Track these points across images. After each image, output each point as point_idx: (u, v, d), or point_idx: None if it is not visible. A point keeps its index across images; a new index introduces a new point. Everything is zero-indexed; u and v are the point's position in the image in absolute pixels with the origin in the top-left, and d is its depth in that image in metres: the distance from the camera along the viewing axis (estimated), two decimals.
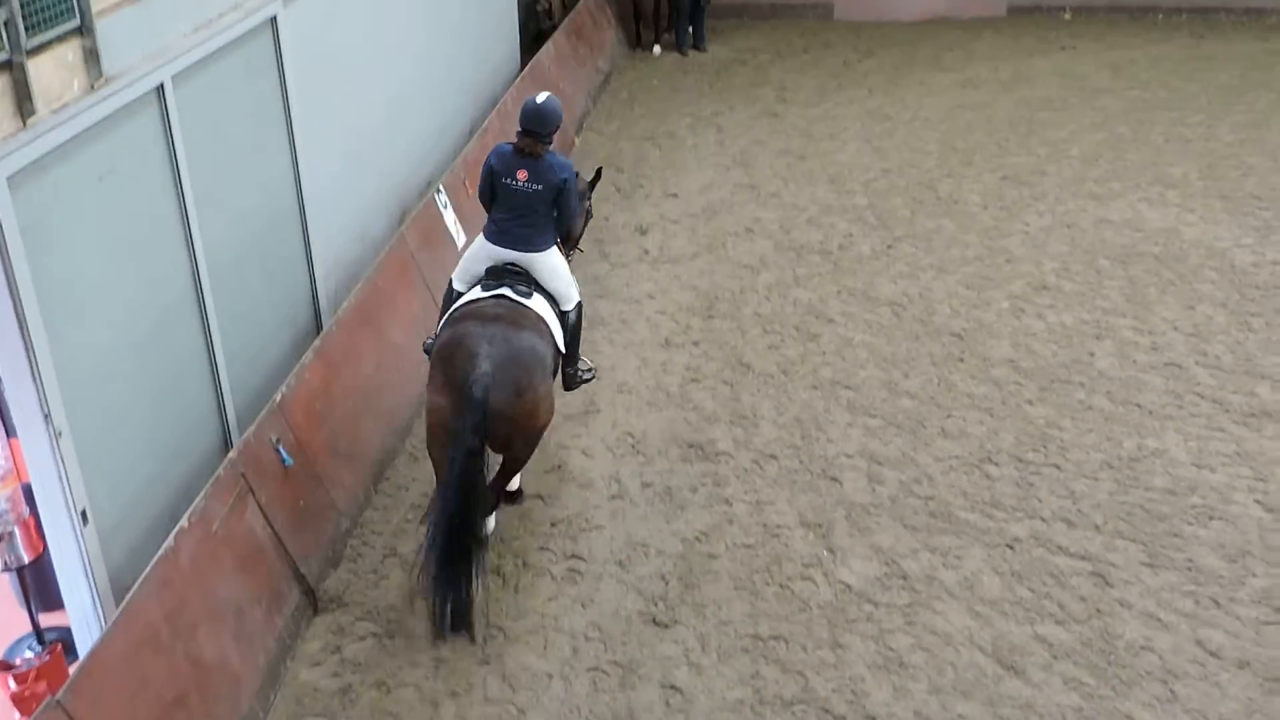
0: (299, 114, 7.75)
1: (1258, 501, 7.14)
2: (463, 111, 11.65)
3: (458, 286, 6.95)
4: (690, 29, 16.49)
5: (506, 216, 6.73)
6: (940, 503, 7.20)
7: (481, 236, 6.89)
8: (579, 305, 7.01)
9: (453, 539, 6.02)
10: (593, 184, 7.72)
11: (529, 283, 6.70)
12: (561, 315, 6.84)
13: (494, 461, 6.74)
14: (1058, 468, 7.50)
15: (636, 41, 16.78)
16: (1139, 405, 8.12)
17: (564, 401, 8.29)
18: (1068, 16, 17.73)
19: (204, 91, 6.57)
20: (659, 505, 7.27)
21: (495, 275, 6.71)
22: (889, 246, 10.54)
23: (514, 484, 7.17)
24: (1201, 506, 7.12)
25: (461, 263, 7.01)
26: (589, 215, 7.70)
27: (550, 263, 6.80)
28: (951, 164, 12.32)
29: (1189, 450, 7.64)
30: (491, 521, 6.74)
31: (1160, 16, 17.67)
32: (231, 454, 6.23)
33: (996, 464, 7.55)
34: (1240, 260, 10.12)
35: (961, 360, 8.71)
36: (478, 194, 7.02)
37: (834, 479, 7.45)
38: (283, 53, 7.49)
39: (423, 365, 8.36)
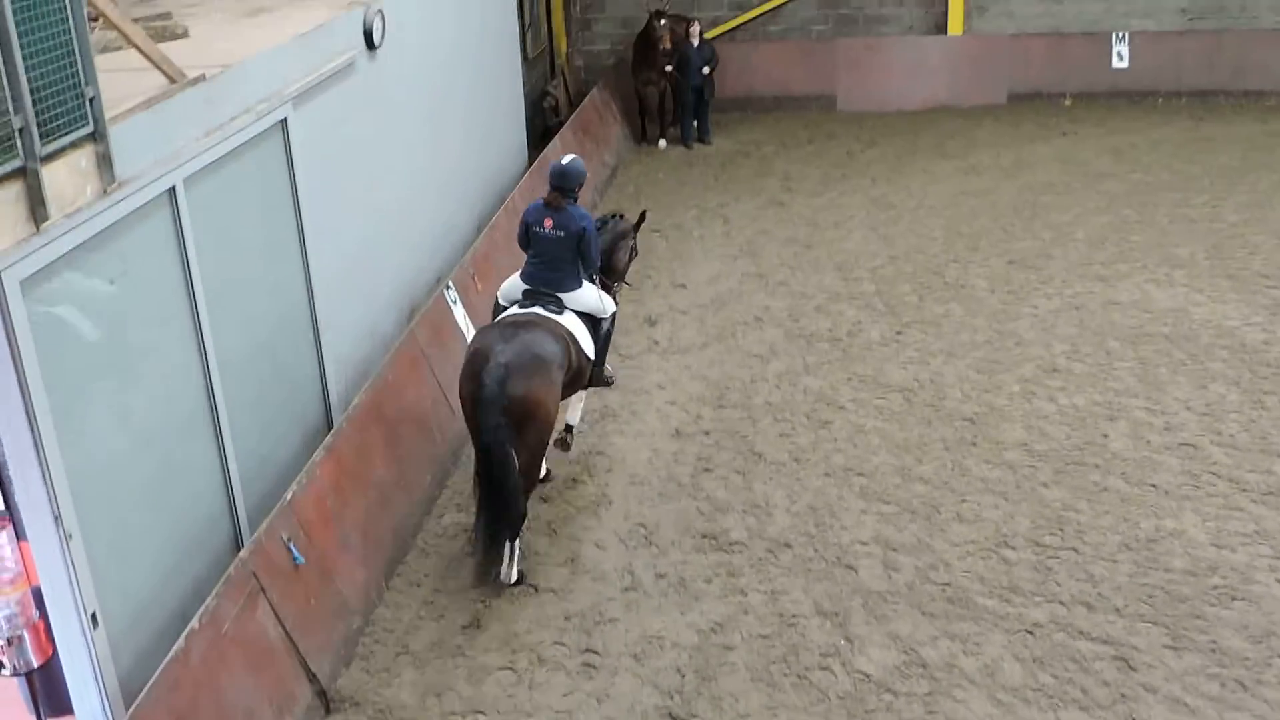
0: (309, 214, 7.84)
1: (1279, 581, 7.05)
2: (471, 208, 11.78)
3: (502, 302, 8.10)
4: (695, 123, 16.72)
5: (537, 261, 7.92)
6: (958, 589, 7.12)
7: (517, 276, 8.06)
8: (614, 315, 8.31)
9: (490, 499, 7.21)
10: (637, 225, 8.83)
11: (559, 304, 7.85)
12: (595, 326, 8.06)
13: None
14: (1075, 551, 7.42)
15: (642, 136, 17.01)
16: (1155, 486, 8.06)
17: (576, 494, 8.26)
18: (1068, 103, 17.94)
19: (215, 193, 6.65)
20: (673, 596, 7.20)
21: (530, 296, 7.87)
22: (898, 332, 10.55)
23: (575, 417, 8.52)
24: (1223, 587, 7.03)
25: (504, 286, 8.20)
26: (634, 253, 8.87)
27: (580, 296, 7.97)
28: (957, 249, 12.39)
29: (1207, 530, 7.56)
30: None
31: (1160, 100, 17.87)
32: (243, 553, 6.19)
33: (1013, 548, 7.48)
34: (1251, 339, 10.11)
35: (974, 444, 8.68)
36: (517, 240, 8.18)
37: (849, 567, 7.38)
38: (293, 154, 7.60)
39: (433, 462, 8.36)
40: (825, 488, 8.24)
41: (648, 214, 9.18)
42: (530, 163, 13.39)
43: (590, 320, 8.03)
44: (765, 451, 8.73)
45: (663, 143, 16.71)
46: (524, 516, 7.39)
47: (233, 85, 6.84)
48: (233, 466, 6.84)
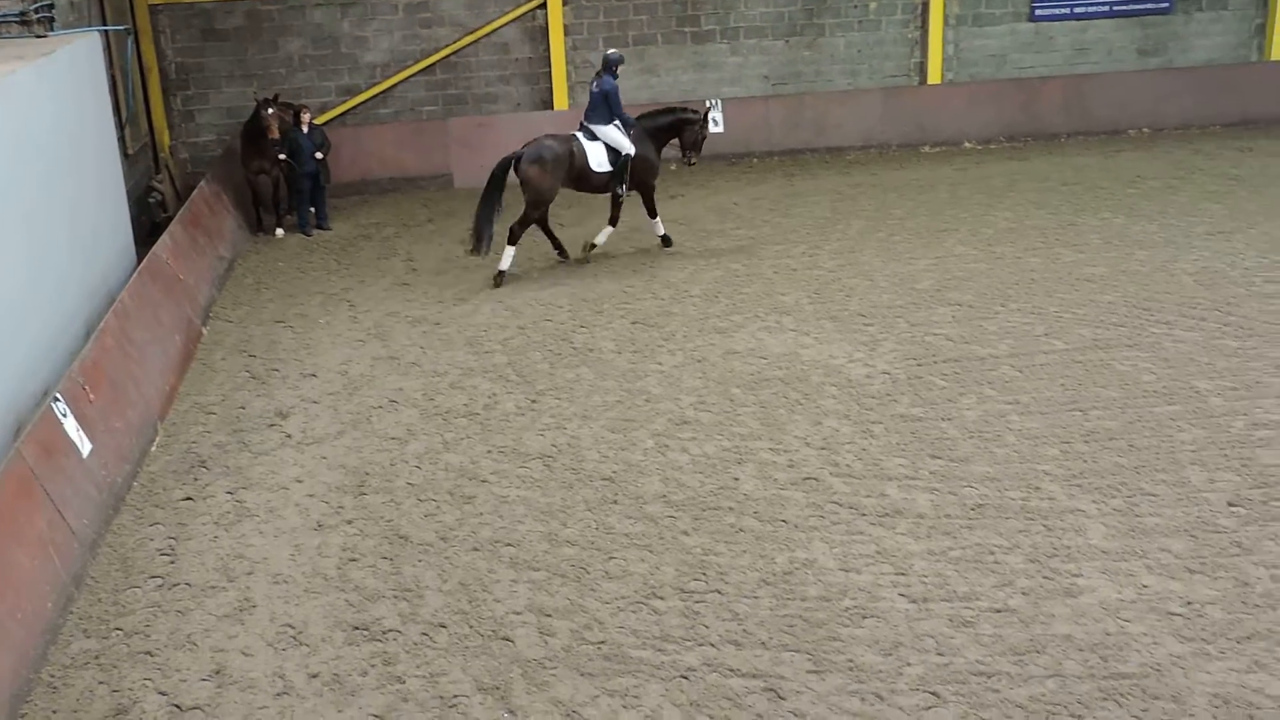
0: None
1: (901, 595, 7.60)
2: (77, 313, 11.06)
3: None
4: (312, 209, 16.45)
5: (588, 107, 14.21)
6: (613, 645, 7.25)
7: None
8: (629, 154, 14.04)
9: (480, 209, 13.60)
10: (705, 115, 15.06)
11: (592, 134, 14.01)
12: (616, 155, 13.97)
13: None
14: (719, 592, 7.72)
15: (258, 226, 16.57)
16: (785, 521, 8.52)
17: (216, 601, 7.85)
18: (674, 167, 18.87)
19: None
20: (329, 695, 6.95)
21: (580, 127, 14.12)
22: (533, 401, 10.71)
23: (658, 228, 14.88)
24: (854, 608, 7.49)
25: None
26: (703, 134, 14.74)
27: (605, 131, 13.99)
28: (583, 315, 12.74)
29: (835, 557, 8.05)
30: (510, 257, 13.94)
31: (755, 160, 19.15)
32: None
33: (662, 598, 7.70)
34: (855, 374, 10.91)
35: (615, 502, 8.89)
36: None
37: (505, 638, 7.37)
38: None
39: (55, 587, 7.77)
40: (475, 562, 8.21)
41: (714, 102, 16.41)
42: (139, 261, 12.72)
43: (611, 150, 13.99)
44: (411, 534, 8.62)
45: (280, 231, 16.33)
46: (499, 234, 13.81)
47: None
48: None
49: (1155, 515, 8.36)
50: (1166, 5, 20.29)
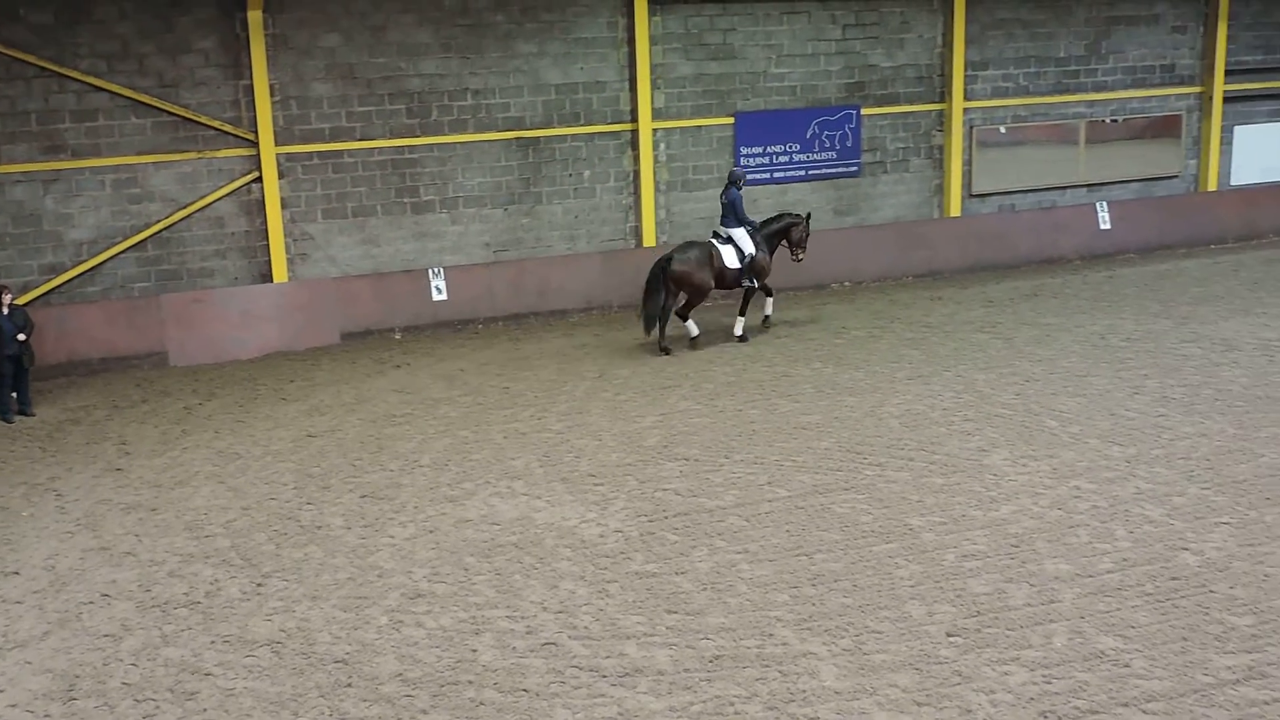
0: None
1: None
2: None
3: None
4: (14, 394, 15.53)
5: (721, 214, 17.68)
6: None
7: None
8: (752, 255, 17.39)
9: (647, 300, 17.07)
10: (807, 218, 18.38)
11: (728, 237, 17.39)
12: (742, 255, 17.30)
13: None
14: None
15: None
16: (526, 690, 8.40)
17: None
18: (398, 336, 18.86)
19: None
20: None
21: (715, 233, 17.64)
22: (258, 585, 10.28)
23: (738, 329, 17.97)
24: None
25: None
26: (806, 233, 18.19)
27: (736, 233, 17.37)
28: (310, 491, 12.40)
29: None
30: (694, 327, 17.63)
31: (480, 326, 19.33)
32: None
33: None
34: (588, 534, 10.98)
35: (350, 685, 8.57)
36: None
37: None
38: None
39: None
40: None
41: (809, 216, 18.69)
42: None
43: (737, 249, 17.34)
44: None
45: None
46: (669, 314, 17.31)
47: None
48: None
49: (882, 652, 8.67)
50: (855, 169, 21.89)
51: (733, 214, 17.43)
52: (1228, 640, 8.62)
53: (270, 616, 9.69)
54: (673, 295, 17.17)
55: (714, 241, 17.42)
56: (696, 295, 17.28)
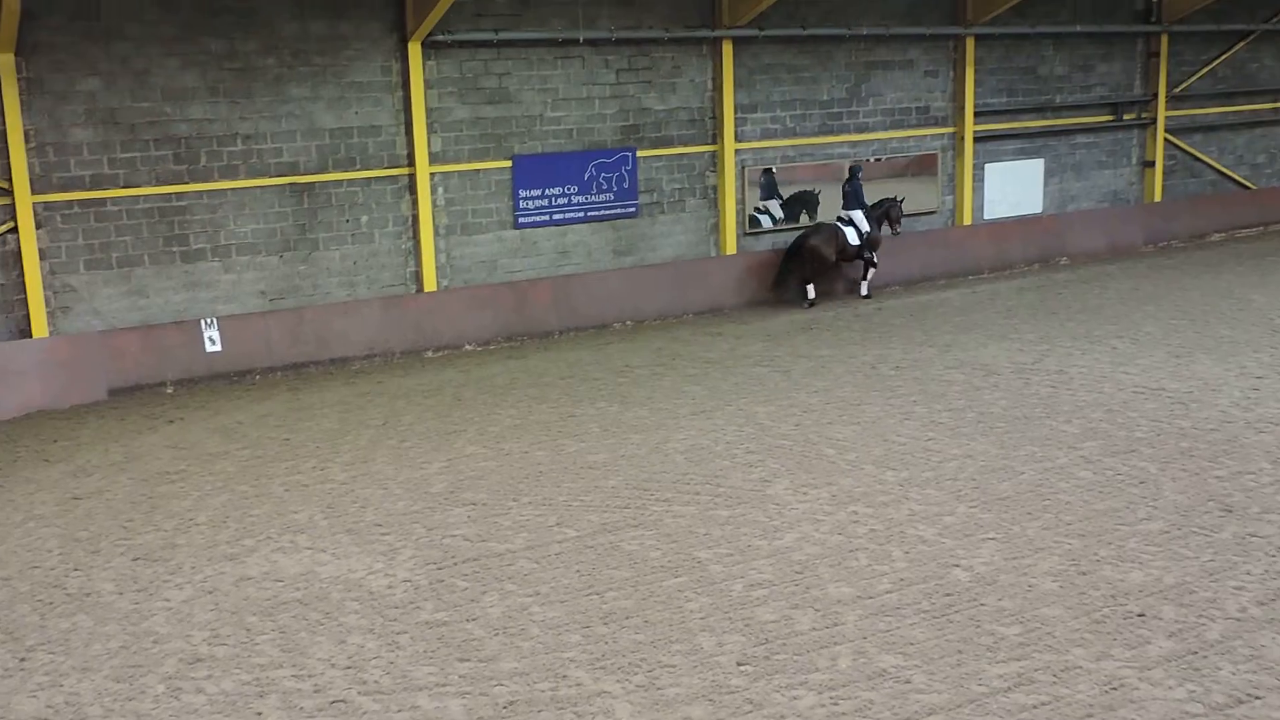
0: None
1: None
2: None
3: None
4: None
5: (841, 200, 23.11)
6: None
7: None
8: (868, 231, 22.70)
9: (782, 267, 22.84)
10: (900, 201, 23.71)
11: (849, 219, 22.67)
12: (861, 234, 22.59)
13: None
14: None
15: None
16: None
17: None
18: (170, 390, 18.15)
19: None
20: None
21: (839, 217, 23.03)
22: (22, 660, 9.69)
23: (864, 289, 23.63)
24: None
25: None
26: (901, 212, 23.52)
27: (856, 216, 22.68)
28: (77, 556, 11.78)
29: None
30: (812, 290, 22.97)
31: (257, 377, 18.78)
32: None
33: None
34: (376, 585, 10.76)
35: None
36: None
37: None
38: None
39: None
40: None
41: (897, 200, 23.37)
42: None
43: (856, 228, 22.50)
44: None
45: None
46: (797, 278, 22.86)
47: None
48: None
49: (675, 685, 8.77)
50: (633, 210, 22.24)
51: (855, 200, 22.67)
52: (998, 650, 9.06)
53: (35, 693, 9.14)
54: (806, 264, 22.35)
55: (838, 224, 22.61)
56: (822, 266, 22.50)
